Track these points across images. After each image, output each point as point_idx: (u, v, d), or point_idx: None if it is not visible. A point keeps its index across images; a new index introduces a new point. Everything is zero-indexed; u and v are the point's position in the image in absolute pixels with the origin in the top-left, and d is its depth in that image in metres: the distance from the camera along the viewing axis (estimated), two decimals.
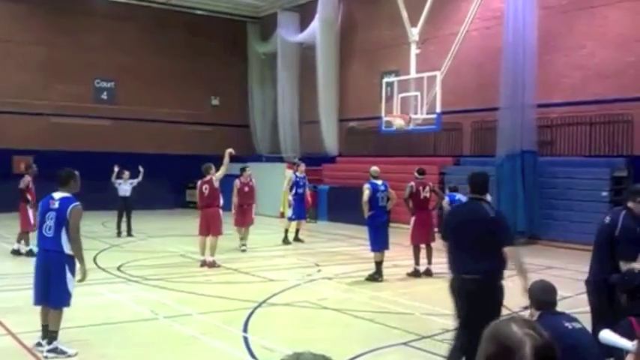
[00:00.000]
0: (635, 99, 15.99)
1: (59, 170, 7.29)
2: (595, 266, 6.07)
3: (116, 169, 17.47)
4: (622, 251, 5.72)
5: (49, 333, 6.83)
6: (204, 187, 13.08)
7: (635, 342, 4.20)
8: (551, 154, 17.62)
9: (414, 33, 18.68)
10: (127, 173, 17.45)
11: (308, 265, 13.21)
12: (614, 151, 16.49)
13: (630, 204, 5.95)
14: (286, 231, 16.61)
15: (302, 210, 17.06)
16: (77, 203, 6.89)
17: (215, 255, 12.81)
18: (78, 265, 6.96)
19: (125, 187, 17.34)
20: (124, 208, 17.41)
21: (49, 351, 6.76)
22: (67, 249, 6.77)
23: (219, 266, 12.64)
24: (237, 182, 15.32)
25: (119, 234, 17.27)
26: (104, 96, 26.62)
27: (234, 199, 15.12)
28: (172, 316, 8.68)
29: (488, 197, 6.18)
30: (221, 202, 13.28)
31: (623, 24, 16.62)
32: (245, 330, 8.04)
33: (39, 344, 6.93)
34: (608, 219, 6.02)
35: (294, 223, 16.88)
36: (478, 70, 19.31)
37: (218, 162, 13.70)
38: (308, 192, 17.70)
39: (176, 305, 9.28)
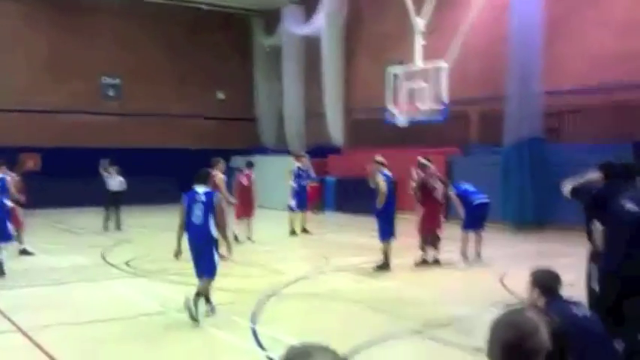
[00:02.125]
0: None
1: (200, 170, 8.76)
2: (616, 254, 5.82)
3: (103, 161, 17.59)
4: None
5: (205, 296, 8.33)
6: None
7: None
8: (558, 141, 17.53)
9: (419, 23, 18.58)
10: (113, 168, 17.51)
11: (317, 256, 13.22)
12: (621, 137, 16.38)
13: None
14: (292, 222, 16.61)
15: (303, 201, 17.07)
16: (219, 194, 8.74)
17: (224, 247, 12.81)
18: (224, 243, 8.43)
19: (112, 181, 17.41)
20: (112, 202, 17.49)
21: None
22: (214, 232, 8.20)
23: (227, 259, 12.64)
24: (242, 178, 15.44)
25: (106, 227, 17.35)
26: (110, 93, 26.68)
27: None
28: (181, 310, 8.68)
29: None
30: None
31: (629, 9, 16.49)
32: (254, 322, 8.05)
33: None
34: (633, 206, 5.68)
35: (299, 215, 16.88)
36: (484, 58, 19.21)
37: (225, 156, 13.74)
38: (310, 184, 17.76)
39: (185, 299, 9.29)
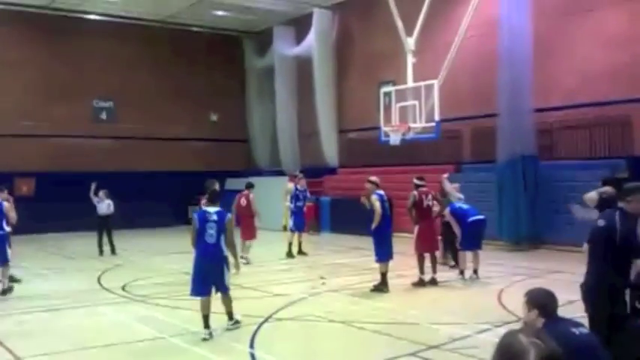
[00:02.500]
0: (632, 100, 16.02)
1: (211, 190, 9.21)
2: (594, 269, 5.96)
3: (93, 185, 17.53)
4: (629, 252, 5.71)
5: (229, 313, 8.82)
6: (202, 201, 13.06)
7: None
8: (551, 158, 17.62)
9: (409, 43, 18.71)
10: (101, 192, 17.48)
11: (313, 278, 13.18)
12: (614, 152, 16.48)
13: (622, 204, 5.93)
14: (290, 244, 16.58)
15: (301, 222, 17.06)
16: (230, 214, 8.83)
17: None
18: (232, 261, 8.72)
19: (102, 205, 17.37)
20: (103, 226, 17.44)
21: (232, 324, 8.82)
22: (225, 251, 8.55)
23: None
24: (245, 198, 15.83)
25: (101, 252, 17.29)
26: (103, 116, 26.72)
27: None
28: (179, 335, 8.65)
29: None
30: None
31: (617, 25, 16.67)
32: (252, 346, 8.00)
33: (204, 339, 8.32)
34: (602, 222, 5.95)
35: (297, 236, 16.86)
36: (475, 76, 19.36)
37: (219, 178, 13.77)
38: (307, 205, 17.80)
39: (182, 324, 9.24)
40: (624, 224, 5.74)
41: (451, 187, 13.47)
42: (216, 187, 13.15)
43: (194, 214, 8.81)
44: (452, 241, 13.33)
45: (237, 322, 8.86)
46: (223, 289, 8.62)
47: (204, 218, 8.53)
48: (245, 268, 14.56)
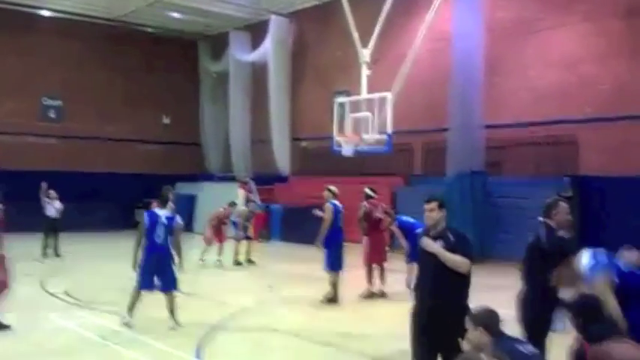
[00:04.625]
0: (579, 120, 16.47)
1: (162, 195, 9.67)
2: (528, 281, 6.17)
3: (44, 185, 17.14)
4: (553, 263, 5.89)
5: (171, 311, 9.28)
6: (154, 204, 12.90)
7: None
8: (499, 174, 17.95)
9: (364, 54, 18.79)
10: (52, 193, 17.13)
11: (262, 287, 13.12)
12: (560, 171, 16.89)
13: (547, 220, 6.13)
14: (236, 253, 16.49)
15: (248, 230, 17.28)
16: (178, 220, 9.53)
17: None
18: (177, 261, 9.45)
19: (51, 207, 17.01)
20: (51, 228, 17.06)
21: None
22: (171, 251, 9.32)
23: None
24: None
25: (45, 255, 16.89)
26: (52, 114, 26.14)
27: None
28: (123, 342, 8.50)
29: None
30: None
31: (566, 46, 17.14)
32: (198, 355, 7.92)
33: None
34: (531, 238, 6.20)
35: (245, 244, 16.77)
36: (428, 90, 19.62)
37: (170, 181, 13.68)
38: (256, 212, 17.95)
39: (126, 331, 9.09)
40: (549, 234, 5.99)
41: None
42: (172, 194, 13.07)
43: (145, 213, 9.42)
44: None
45: (177, 323, 9.24)
46: (169, 286, 9.25)
47: (154, 219, 9.23)
48: (194, 276, 14.44)
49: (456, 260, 5.43)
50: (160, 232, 9.19)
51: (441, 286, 5.50)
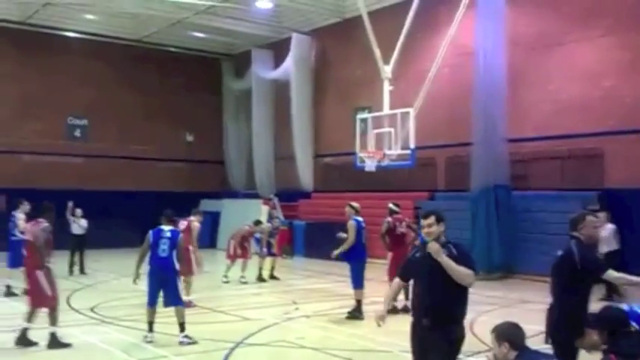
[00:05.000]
0: (604, 133, 16.31)
1: (165, 210, 9.78)
2: (558, 297, 6.01)
3: (70, 204, 17.35)
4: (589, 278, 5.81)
5: (181, 325, 9.30)
6: (181, 222, 12.99)
7: None
8: (524, 188, 17.81)
9: (386, 70, 18.86)
10: (79, 211, 17.36)
11: (285, 302, 13.11)
12: (585, 184, 16.72)
13: (576, 234, 6.04)
14: (260, 268, 16.52)
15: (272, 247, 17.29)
16: (181, 233, 10.04)
17: (190, 294, 12.66)
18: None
19: (78, 224, 17.23)
20: (77, 246, 17.26)
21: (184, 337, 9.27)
22: (177, 265, 9.42)
23: (195, 306, 12.49)
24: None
25: (71, 272, 17.07)
26: (77, 133, 26.51)
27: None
28: (146, 358, 8.53)
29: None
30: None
31: (590, 60, 17.02)
32: None
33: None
34: (560, 252, 6.05)
35: (269, 260, 16.81)
36: (450, 105, 19.58)
37: (194, 199, 13.66)
38: (280, 228, 17.95)
39: (151, 347, 9.13)
40: (582, 251, 5.84)
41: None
42: (200, 215, 13.34)
43: (150, 231, 9.50)
44: None
45: (189, 337, 9.25)
46: (175, 301, 9.32)
47: (158, 235, 9.40)
48: (216, 292, 14.51)
49: (461, 272, 5.26)
50: (164, 247, 9.30)
51: (440, 300, 5.33)
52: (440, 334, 5.31)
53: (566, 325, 5.79)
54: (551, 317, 5.99)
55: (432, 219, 5.56)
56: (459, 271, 5.25)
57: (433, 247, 5.36)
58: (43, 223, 9.10)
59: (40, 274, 8.92)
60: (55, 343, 8.92)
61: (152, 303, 9.32)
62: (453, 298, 5.35)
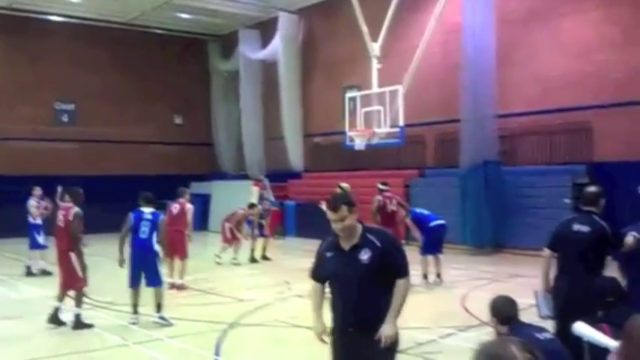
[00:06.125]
0: (592, 106, 16.35)
1: (144, 192, 9.99)
2: (584, 281, 5.71)
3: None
4: None
5: (158, 305, 9.42)
6: (174, 206, 12.94)
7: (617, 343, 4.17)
8: (513, 163, 17.88)
9: (374, 48, 18.82)
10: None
11: (278, 283, 13.17)
12: (574, 158, 16.80)
13: (594, 209, 6.05)
14: (252, 250, 16.54)
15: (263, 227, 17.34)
16: (163, 215, 10.13)
17: (184, 277, 12.69)
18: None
19: None
20: None
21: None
22: (156, 247, 9.58)
23: (187, 288, 12.52)
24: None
25: None
26: (65, 118, 26.30)
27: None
28: (142, 342, 8.57)
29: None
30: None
31: (579, 34, 16.99)
32: (217, 353, 7.97)
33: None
34: (581, 227, 6.08)
35: (260, 241, 16.84)
36: (439, 82, 19.56)
37: (184, 181, 13.61)
38: (271, 209, 18.00)
39: (146, 330, 9.17)
40: (609, 226, 5.90)
41: None
42: (187, 196, 13.10)
43: (129, 213, 9.64)
44: None
45: (164, 319, 9.36)
46: (156, 282, 9.46)
47: (139, 217, 9.55)
48: (209, 274, 14.54)
49: (404, 296, 4.40)
50: (144, 229, 9.45)
51: (366, 303, 4.40)
52: (373, 340, 4.37)
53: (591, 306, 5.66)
54: (575, 294, 5.77)
55: (343, 210, 4.32)
56: (404, 298, 4.41)
57: (388, 336, 4.38)
58: (74, 208, 9.51)
59: (73, 256, 9.28)
60: (79, 323, 9.24)
61: (134, 284, 9.50)
62: (380, 297, 4.41)
